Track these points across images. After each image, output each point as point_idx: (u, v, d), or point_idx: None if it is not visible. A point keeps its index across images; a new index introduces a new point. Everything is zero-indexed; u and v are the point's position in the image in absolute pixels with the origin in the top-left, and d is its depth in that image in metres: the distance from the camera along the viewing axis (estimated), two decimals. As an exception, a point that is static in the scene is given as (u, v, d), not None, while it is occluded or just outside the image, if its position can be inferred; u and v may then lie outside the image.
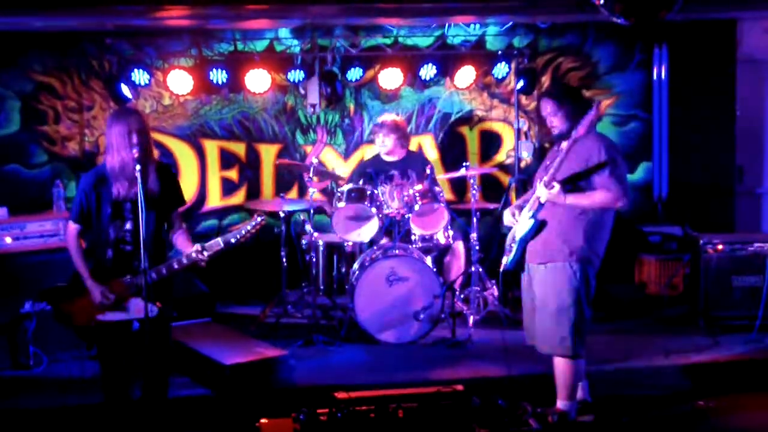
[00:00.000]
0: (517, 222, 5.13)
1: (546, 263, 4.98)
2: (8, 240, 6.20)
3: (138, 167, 4.38)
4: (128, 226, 4.56)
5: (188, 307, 6.69)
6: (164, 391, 4.80)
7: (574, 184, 4.90)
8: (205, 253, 4.54)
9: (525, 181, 7.70)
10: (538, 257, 5.02)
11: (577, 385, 5.10)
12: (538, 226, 4.99)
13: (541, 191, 4.95)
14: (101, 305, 4.54)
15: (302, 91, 7.78)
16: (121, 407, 4.69)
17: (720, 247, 6.70)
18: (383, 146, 7.10)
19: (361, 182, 6.93)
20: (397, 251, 6.57)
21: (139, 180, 4.38)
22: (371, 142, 7.93)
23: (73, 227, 4.63)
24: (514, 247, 5.09)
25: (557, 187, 4.87)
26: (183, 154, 7.82)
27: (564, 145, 4.95)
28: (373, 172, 6.96)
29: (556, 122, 5.04)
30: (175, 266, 4.56)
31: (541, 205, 5.00)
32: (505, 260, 5.19)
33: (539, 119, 5.34)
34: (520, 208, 5.21)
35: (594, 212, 4.93)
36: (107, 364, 4.72)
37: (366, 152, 7.95)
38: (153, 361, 4.67)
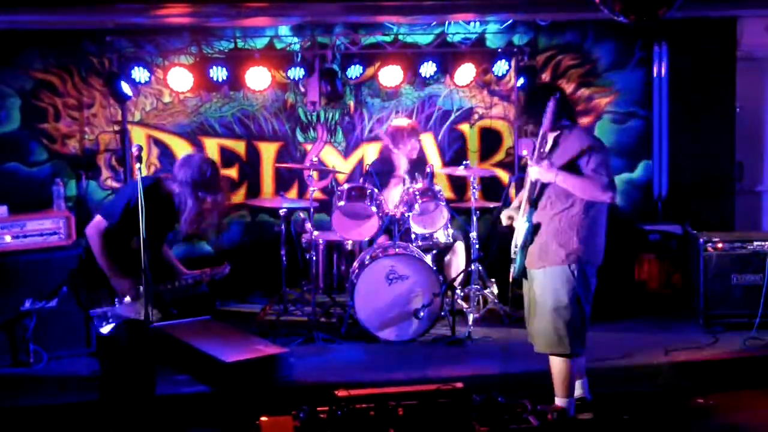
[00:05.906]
0: (516, 226, 5.13)
1: (544, 267, 4.98)
2: (8, 238, 6.18)
3: None
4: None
5: (188, 304, 6.68)
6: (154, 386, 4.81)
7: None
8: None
9: (525, 179, 7.69)
10: (536, 262, 5.00)
11: (573, 382, 5.10)
12: (533, 229, 4.98)
13: (532, 171, 4.92)
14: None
15: (302, 89, 7.78)
16: (120, 405, 4.69)
17: (720, 245, 6.70)
18: (413, 150, 7.13)
19: (361, 180, 6.94)
20: (397, 250, 6.58)
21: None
22: (371, 140, 7.94)
23: None
24: (518, 255, 5.09)
25: (546, 162, 4.85)
26: (183, 151, 7.79)
27: (550, 138, 4.92)
28: (375, 173, 6.98)
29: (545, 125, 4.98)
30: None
31: (533, 209, 4.99)
32: (512, 270, 5.18)
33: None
34: (517, 210, 5.20)
35: (586, 210, 4.91)
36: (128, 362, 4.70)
37: (367, 151, 7.94)
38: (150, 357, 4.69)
